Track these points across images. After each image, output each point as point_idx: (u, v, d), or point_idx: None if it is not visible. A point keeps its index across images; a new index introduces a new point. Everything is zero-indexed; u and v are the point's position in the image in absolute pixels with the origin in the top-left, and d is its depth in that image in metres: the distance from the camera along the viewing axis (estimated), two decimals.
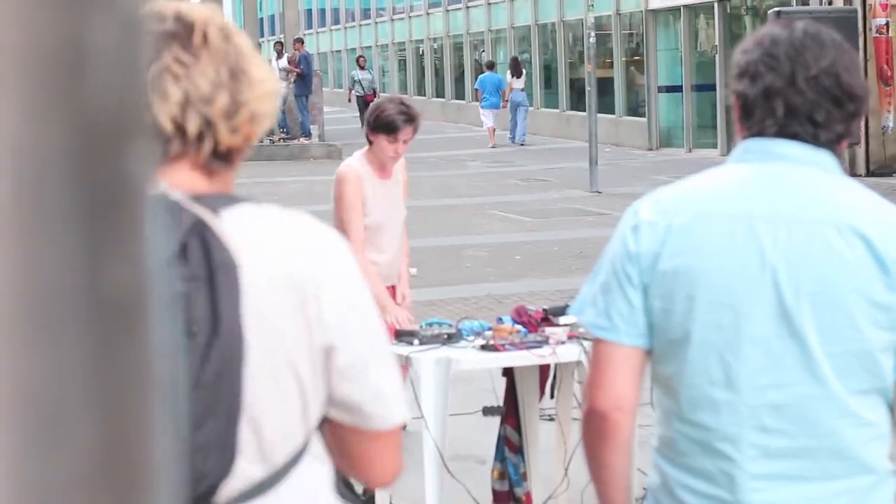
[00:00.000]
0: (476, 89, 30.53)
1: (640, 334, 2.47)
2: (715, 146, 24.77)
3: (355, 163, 6.17)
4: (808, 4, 20.66)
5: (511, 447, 6.00)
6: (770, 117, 2.50)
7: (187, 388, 1.79)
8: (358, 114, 31.76)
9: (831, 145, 2.51)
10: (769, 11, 7.65)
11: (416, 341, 5.58)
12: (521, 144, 28.89)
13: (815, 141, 2.49)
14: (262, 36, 48.01)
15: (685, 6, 26.52)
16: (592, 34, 20.59)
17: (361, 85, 32.46)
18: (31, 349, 0.57)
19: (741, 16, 25.64)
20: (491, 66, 31.55)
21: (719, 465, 2.45)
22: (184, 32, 1.92)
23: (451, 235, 15.04)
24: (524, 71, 30.03)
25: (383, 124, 6.07)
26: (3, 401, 0.56)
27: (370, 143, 6.16)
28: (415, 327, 5.81)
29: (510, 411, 6.03)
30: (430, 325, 5.66)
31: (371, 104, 6.30)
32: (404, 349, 5.56)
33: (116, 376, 0.59)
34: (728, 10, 25.41)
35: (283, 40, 31.56)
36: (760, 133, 2.51)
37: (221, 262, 1.83)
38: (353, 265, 1.97)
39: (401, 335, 5.69)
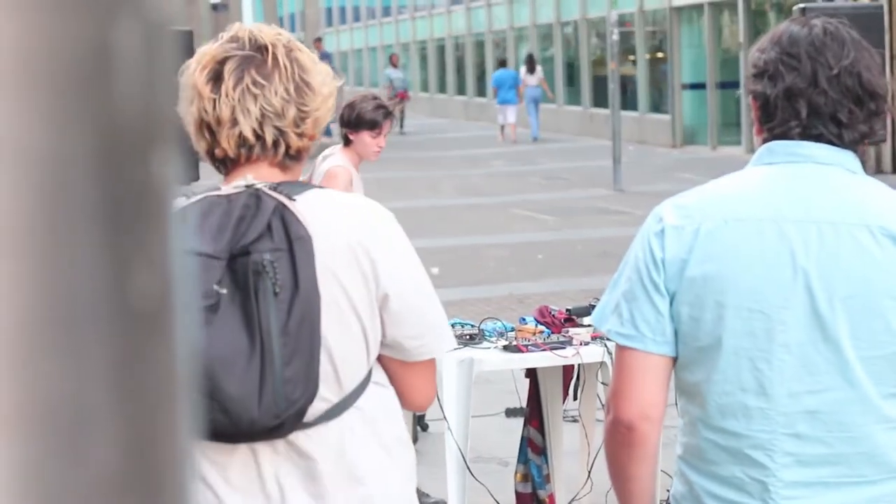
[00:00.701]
0: (493, 87, 30.63)
1: (667, 342, 2.43)
2: (739, 143, 24.74)
3: (342, 161, 6.35)
4: (834, 0, 20.61)
5: (534, 449, 5.99)
6: (794, 119, 2.47)
7: (277, 335, 2.27)
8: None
9: (854, 145, 2.49)
10: (794, 7, 7.61)
11: None
12: (535, 139, 29.16)
13: (839, 141, 2.47)
14: None
15: (709, 3, 26.49)
16: (616, 31, 20.58)
17: (393, 83, 32.40)
18: (54, 357, 0.57)
19: (765, 12, 25.59)
20: (504, 62, 31.79)
21: (751, 472, 2.42)
22: (259, 57, 2.40)
23: (472, 235, 15.05)
24: (538, 67, 30.23)
25: (366, 121, 6.31)
26: (27, 409, 0.56)
27: (348, 141, 6.37)
28: None
29: (533, 413, 6.01)
30: (453, 325, 5.65)
31: (344, 105, 6.47)
32: None
33: (140, 384, 0.59)
34: (752, 7, 25.36)
35: (303, 38, 31.69)
36: (784, 135, 2.48)
37: (297, 235, 2.31)
38: (398, 231, 2.45)
39: None
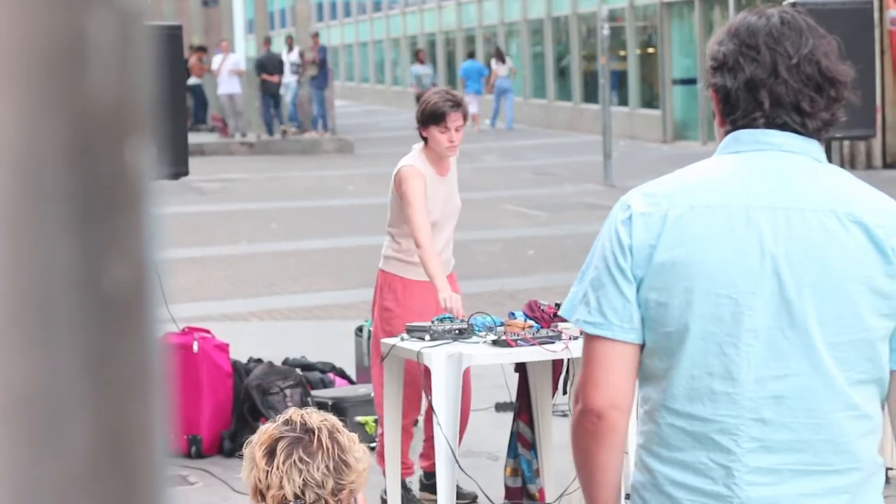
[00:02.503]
0: (461, 77, 31.06)
1: (634, 329, 2.43)
2: None
3: (415, 161, 6.10)
4: None
5: (524, 443, 5.99)
6: (757, 109, 2.47)
7: None
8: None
9: (818, 133, 2.49)
10: (783, 3, 7.61)
11: (427, 336, 5.57)
12: (510, 129, 29.73)
13: (803, 130, 2.47)
14: (273, 28, 48.08)
15: None
16: (606, 26, 20.57)
17: (420, 81, 30.24)
18: (27, 347, 0.57)
19: (756, 6, 25.59)
20: (472, 54, 32.30)
21: (716, 457, 2.42)
22: (306, 438, 2.91)
23: (462, 230, 15.01)
24: (507, 58, 30.99)
25: (431, 115, 6.02)
26: (1, 398, 0.55)
27: (424, 139, 6.11)
28: (461, 316, 5.76)
29: (523, 407, 6.01)
30: (442, 320, 5.65)
31: (420, 100, 6.28)
32: (415, 344, 5.55)
33: (114, 374, 0.59)
34: (743, 2, 25.37)
35: (294, 34, 31.56)
36: (748, 126, 2.48)
37: None
38: None
39: (412, 330, 5.68)
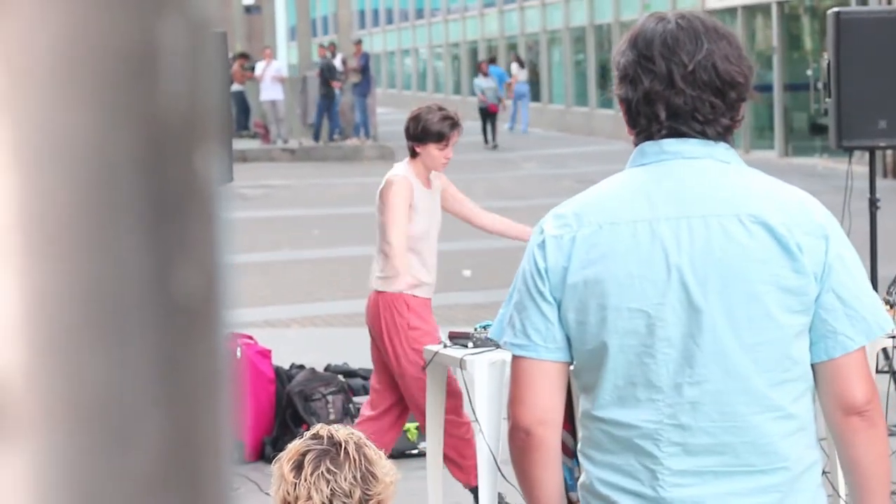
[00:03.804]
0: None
1: (559, 349, 2.51)
2: (773, 147, 24.60)
3: (403, 171, 6.20)
4: (868, 4, 20.51)
5: (566, 451, 5.97)
6: (655, 122, 2.50)
7: None
8: (481, 126, 28.20)
9: (721, 136, 2.51)
10: (828, 12, 7.59)
11: (470, 344, 5.57)
12: (525, 132, 30.80)
13: (704, 137, 2.49)
14: (315, 36, 48.23)
15: (743, 6, 26.37)
16: None
17: (484, 93, 28.70)
18: (98, 353, 0.57)
19: (799, 16, 25.46)
20: (493, 59, 32.66)
21: (642, 461, 2.48)
22: (333, 451, 2.91)
23: (502, 238, 15.01)
24: (525, 64, 31.94)
25: (432, 133, 6.12)
26: (70, 405, 0.56)
27: (414, 153, 6.20)
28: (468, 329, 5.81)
29: (565, 415, 6.00)
30: (484, 327, 5.64)
31: (409, 115, 6.35)
32: (458, 352, 5.55)
33: (184, 380, 0.59)
34: (786, 11, 25.23)
35: (336, 41, 31.64)
36: (649, 138, 2.51)
37: None
38: None
39: (454, 338, 5.68)
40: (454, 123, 6.17)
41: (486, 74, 29.60)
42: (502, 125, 31.04)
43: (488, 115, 28.43)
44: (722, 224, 2.43)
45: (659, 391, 2.45)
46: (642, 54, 2.49)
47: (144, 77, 0.58)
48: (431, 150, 6.11)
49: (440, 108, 6.27)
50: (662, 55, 2.48)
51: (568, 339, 2.51)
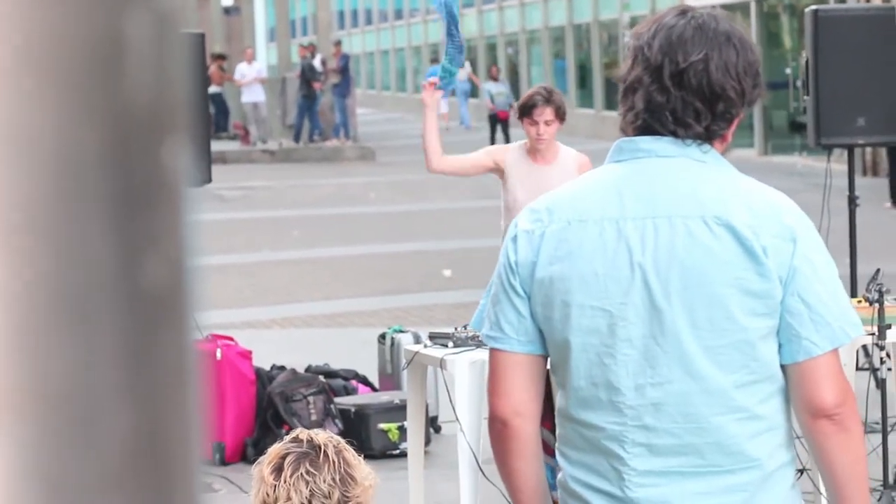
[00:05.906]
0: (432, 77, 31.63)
1: (532, 341, 2.53)
2: (752, 146, 24.68)
3: (511, 145, 6.49)
4: (846, 2, 20.58)
5: (547, 450, 5.98)
6: (631, 112, 2.49)
7: None
8: (489, 133, 27.18)
9: (700, 139, 2.48)
10: (806, 10, 7.60)
11: (450, 343, 5.57)
12: (467, 128, 31.89)
13: (676, 137, 2.47)
14: (294, 37, 48.18)
15: (722, 5, 26.45)
16: (628, 34, 20.55)
17: (494, 99, 27.35)
18: (65, 343, 0.57)
19: (778, 14, 25.54)
20: (435, 60, 33.58)
21: (610, 461, 2.49)
22: (313, 453, 2.92)
23: (485, 237, 15.03)
24: (466, 63, 32.00)
25: (522, 107, 6.30)
26: (36, 396, 0.56)
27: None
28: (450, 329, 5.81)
29: (546, 414, 6.00)
30: (465, 327, 5.64)
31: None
32: (438, 351, 5.56)
33: (151, 371, 0.59)
34: (765, 9, 25.32)
35: (315, 41, 31.60)
36: (625, 128, 2.51)
37: None
38: None
39: (435, 337, 5.68)
40: (546, 99, 6.23)
41: (496, 80, 28.50)
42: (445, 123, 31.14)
43: (498, 121, 26.94)
44: (687, 225, 2.43)
45: (619, 393, 2.46)
46: (647, 42, 2.49)
47: (111, 70, 0.58)
48: (525, 125, 6.32)
49: (544, 87, 6.48)
50: (661, 49, 2.47)
51: (541, 333, 2.53)
